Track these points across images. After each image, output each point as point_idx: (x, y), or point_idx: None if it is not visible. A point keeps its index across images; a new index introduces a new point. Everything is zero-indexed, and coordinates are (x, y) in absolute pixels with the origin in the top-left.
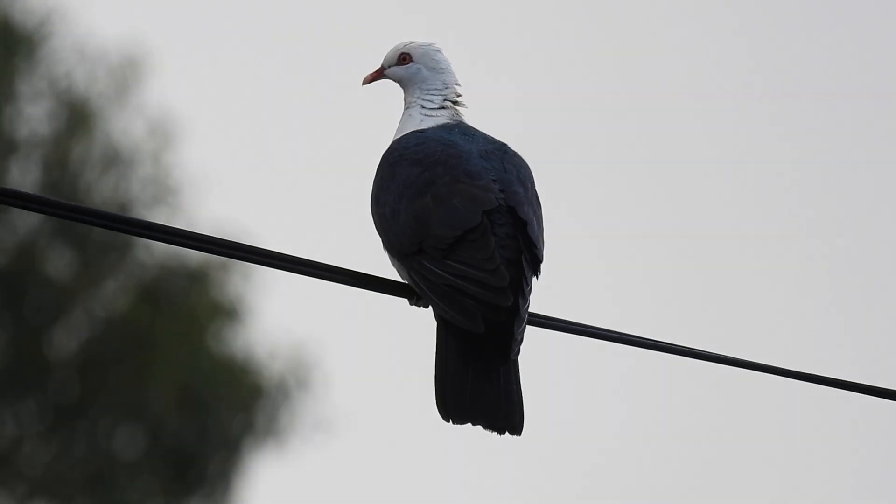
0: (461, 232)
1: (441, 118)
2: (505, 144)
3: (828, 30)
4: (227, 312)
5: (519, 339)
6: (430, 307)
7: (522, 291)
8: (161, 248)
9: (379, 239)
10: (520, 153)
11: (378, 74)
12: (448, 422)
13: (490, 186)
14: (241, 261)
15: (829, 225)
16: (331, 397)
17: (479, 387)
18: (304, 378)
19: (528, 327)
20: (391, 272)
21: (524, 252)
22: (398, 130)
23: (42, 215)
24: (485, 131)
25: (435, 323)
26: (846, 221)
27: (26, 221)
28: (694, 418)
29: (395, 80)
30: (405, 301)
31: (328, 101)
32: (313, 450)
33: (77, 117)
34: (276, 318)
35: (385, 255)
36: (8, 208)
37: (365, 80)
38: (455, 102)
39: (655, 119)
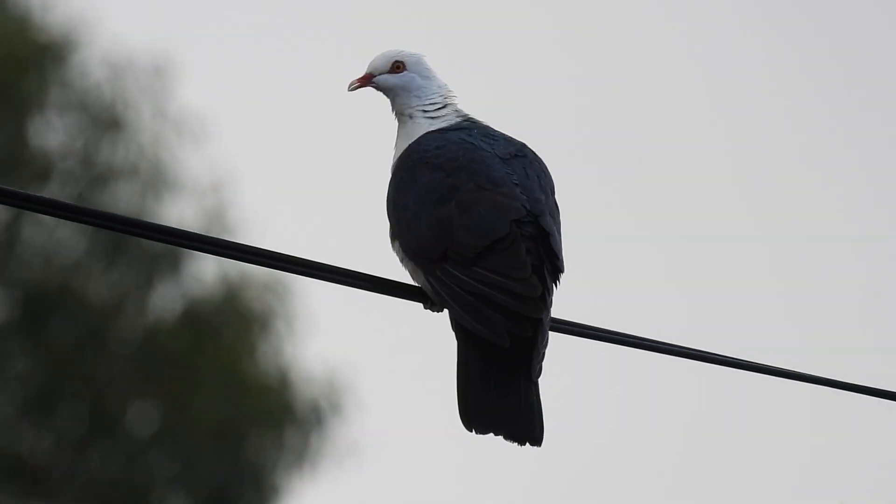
0: (490, 241)
1: (451, 117)
2: (524, 145)
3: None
4: (260, 334)
5: (542, 354)
6: (449, 315)
7: (546, 303)
8: (200, 269)
9: (390, 241)
10: (537, 153)
11: (366, 81)
12: (471, 431)
13: (515, 194)
14: (248, 263)
15: (844, 226)
16: (363, 421)
17: (500, 397)
18: (337, 402)
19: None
20: (401, 275)
21: (546, 262)
22: (405, 139)
23: (86, 234)
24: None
25: (453, 332)
26: (860, 224)
27: (70, 240)
28: (703, 420)
29: (384, 88)
30: (420, 305)
31: (337, 107)
32: (346, 475)
33: (106, 127)
34: (308, 340)
35: (395, 259)
36: (52, 225)
37: (352, 85)
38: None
39: (654, 113)
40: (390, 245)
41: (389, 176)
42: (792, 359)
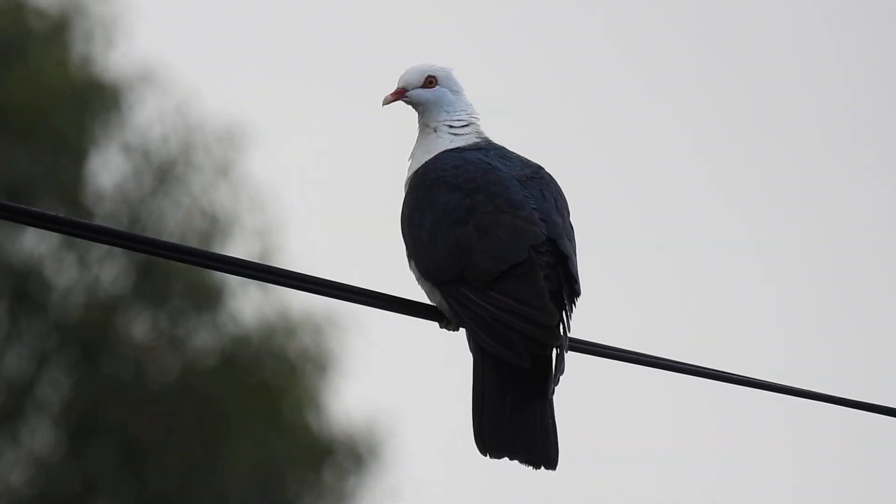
0: (507, 266)
1: (471, 137)
2: (541, 168)
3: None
4: (298, 374)
5: (559, 375)
6: (466, 336)
7: (565, 326)
8: (239, 309)
9: (406, 259)
10: (552, 175)
11: (399, 95)
12: (486, 455)
13: (533, 218)
14: (264, 282)
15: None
16: (401, 464)
17: (516, 420)
18: (376, 444)
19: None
20: (417, 294)
21: (564, 286)
22: (423, 151)
23: (128, 272)
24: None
25: (470, 353)
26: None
27: (111, 277)
28: (719, 439)
29: (416, 103)
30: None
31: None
32: None
33: (162, 176)
34: (346, 380)
35: (412, 277)
36: (97, 260)
37: (386, 100)
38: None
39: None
40: (407, 264)
41: (404, 191)
42: (812, 379)
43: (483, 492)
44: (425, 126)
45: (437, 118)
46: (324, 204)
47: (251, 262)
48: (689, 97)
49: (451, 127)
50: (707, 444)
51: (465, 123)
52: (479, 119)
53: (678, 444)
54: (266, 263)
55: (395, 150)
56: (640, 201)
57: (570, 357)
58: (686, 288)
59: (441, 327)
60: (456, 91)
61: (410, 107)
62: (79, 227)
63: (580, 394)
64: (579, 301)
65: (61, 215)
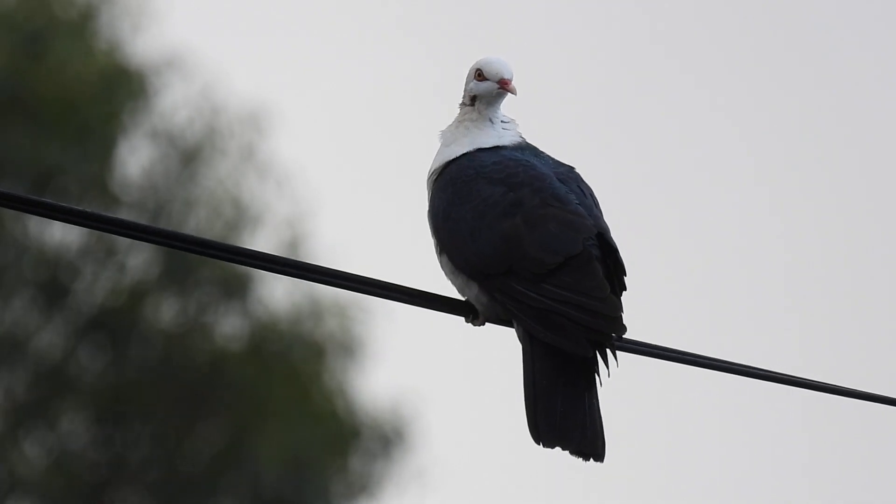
0: (563, 258)
1: (514, 134)
2: (572, 168)
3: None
4: (326, 360)
5: (610, 367)
6: (516, 328)
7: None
8: (267, 296)
9: (436, 254)
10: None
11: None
12: (539, 445)
13: (582, 212)
14: (284, 275)
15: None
16: (429, 448)
17: (567, 411)
18: (403, 429)
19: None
20: (445, 288)
21: (615, 278)
22: (468, 140)
23: (154, 261)
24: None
25: (520, 343)
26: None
27: (139, 265)
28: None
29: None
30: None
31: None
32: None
33: (189, 161)
34: (374, 366)
35: (440, 272)
36: (123, 249)
37: (515, 90)
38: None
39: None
40: (437, 259)
41: (429, 181)
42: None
43: (513, 471)
44: (485, 118)
45: (489, 110)
46: (352, 188)
47: (275, 257)
48: (695, 94)
49: (503, 122)
50: (732, 439)
51: (510, 119)
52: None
53: (706, 441)
54: (290, 258)
55: (422, 133)
56: (663, 191)
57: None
58: (717, 283)
59: (467, 322)
60: None
61: (476, 97)
62: (100, 221)
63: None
64: (624, 294)
65: (83, 209)
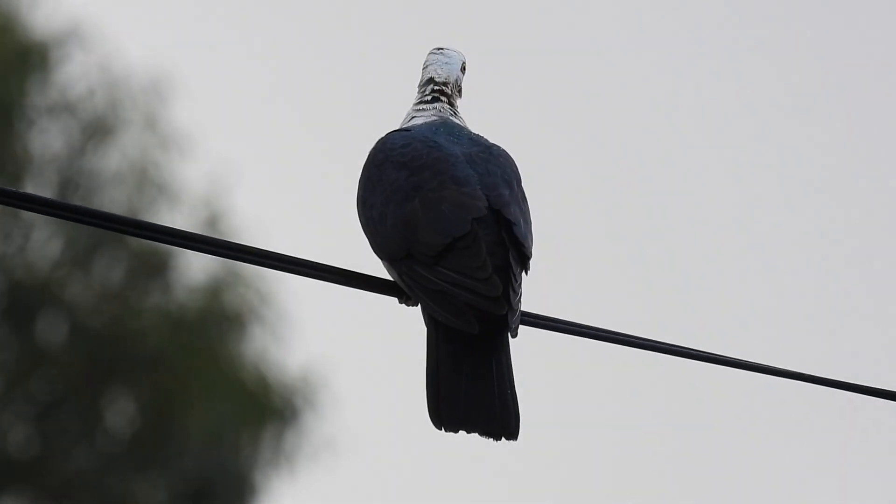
0: (450, 239)
1: (429, 114)
2: (492, 146)
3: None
4: (240, 333)
5: (514, 326)
6: (421, 309)
7: (513, 289)
8: (183, 272)
9: (366, 238)
10: (505, 150)
11: None
12: (441, 430)
13: (477, 193)
14: (226, 258)
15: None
16: (339, 416)
17: (473, 392)
18: (313, 399)
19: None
20: (379, 270)
21: (511, 251)
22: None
23: (63, 235)
24: (472, 128)
25: (425, 328)
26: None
27: (48, 240)
28: (686, 419)
29: None
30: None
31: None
32: (324, 472)
33: (93, 133)
34: (288, 339)
35: (373, 254)
36: (29, 225)
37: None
38: (449, 95)
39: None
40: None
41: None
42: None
43: (426, 441)
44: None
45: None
46: (270, 158)
47: (195, 234)
48: (688, 97)
49: (418, 102)
50: (664, 420)
51: (429, 100)
52: (452, 97)
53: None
54: (216, 237)
55: (345, 103)
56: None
57: (531, 333)
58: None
59: (400, 303)
60: (425, 66)
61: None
62: (13, 197)
63: (540, 368)
64: (531, 263)
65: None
